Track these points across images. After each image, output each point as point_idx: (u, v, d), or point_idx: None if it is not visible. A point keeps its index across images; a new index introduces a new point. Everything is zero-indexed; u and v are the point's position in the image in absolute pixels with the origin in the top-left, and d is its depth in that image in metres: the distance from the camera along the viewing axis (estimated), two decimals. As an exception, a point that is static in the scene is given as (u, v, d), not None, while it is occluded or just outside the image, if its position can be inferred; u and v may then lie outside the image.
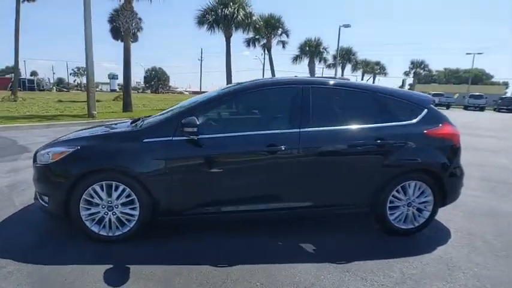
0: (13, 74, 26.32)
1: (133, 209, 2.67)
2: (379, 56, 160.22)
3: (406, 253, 2.68)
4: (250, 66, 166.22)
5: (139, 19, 42.08)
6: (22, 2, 25.90)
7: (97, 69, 17.14)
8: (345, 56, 40.22)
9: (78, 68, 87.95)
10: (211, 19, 19.18)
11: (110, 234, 2.70)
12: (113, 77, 62.90)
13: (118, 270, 2.34)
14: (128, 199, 2.65)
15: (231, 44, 20.40)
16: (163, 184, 2.64)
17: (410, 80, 56.52)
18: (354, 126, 2.90)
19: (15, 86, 22.45)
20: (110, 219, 2.67)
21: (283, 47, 27.88)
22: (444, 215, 3.44)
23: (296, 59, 32.47)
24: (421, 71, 53.98)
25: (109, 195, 2.63)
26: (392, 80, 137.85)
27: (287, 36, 27.13)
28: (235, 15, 18.42)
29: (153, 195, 2.63)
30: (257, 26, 20.97)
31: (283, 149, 2.69)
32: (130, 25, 14.44)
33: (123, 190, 2.63)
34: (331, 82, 3.09)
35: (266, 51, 27.67)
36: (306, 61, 32.21)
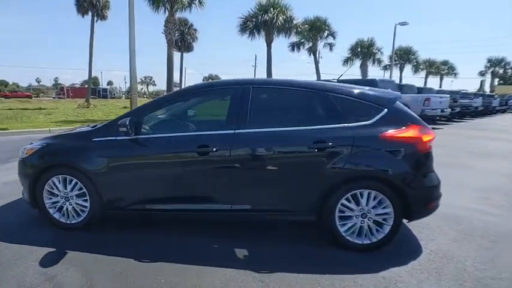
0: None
1: (85, 201, 2.98)
2: (447, 55, 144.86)
3: (346, 270, 2.48)
4: (303, 71, 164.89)
5: (195, 30, 45.14)
6: (96, 22, 30.00)
7: (159, 77, 18.91)
8: (403, 56, 37.40)
9: (145, 77, 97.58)
10: (251, 26, 19.64)
11: (68, 221, 3.04)
12: (176, 86, 67.76)
13: (57, 254, 2.63)
14: (80, 191, 2.96)
15: (272, 49, 20.58)
16: (106, 180, 2.89)
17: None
18: (294, 128, 2.79)
19: (88, 94, 26.69)
20: (67, 209, 3.02)
21: (330, 49, 27.19)
22: (430, 233, 3.12)
23: (347, 61, 31.32)
24: (500, 70, 47.54)
25: (65, 187, 2.98)
26: (466, 82, 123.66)
27: (333, 38, 26.42)
28: (274, 20, 18.58)
29: (99, 190, 2.91)
30: (299, 29, 20.81)
31: (214, 150, 2.74)
32: (173, 36, 15.61)
33: (76, 183, 2.96)
34: (276, 82, 3.04)
35: (313, 55, 27.20)
36: (357, 63, 30.91)
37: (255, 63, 68.59)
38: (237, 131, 2.79)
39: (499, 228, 3.32)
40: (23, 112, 17.14)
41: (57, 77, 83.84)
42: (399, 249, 2.81)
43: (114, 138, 2.88)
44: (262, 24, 19.35)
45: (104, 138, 2.91)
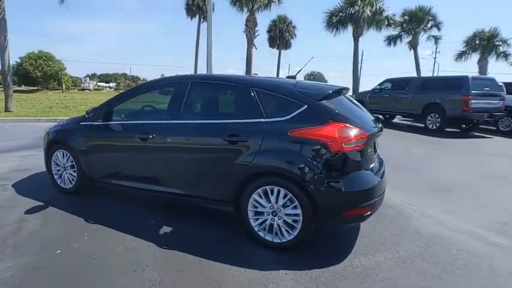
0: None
1: (74, 171, 3.84)
2: None
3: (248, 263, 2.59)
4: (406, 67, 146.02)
5: (294, 27, 45.88)
6: (202, 23, 34.06)
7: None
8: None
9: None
10: (335, 20, 18.99)
11: (64, 186, 3.98)
12: None
13: (40, 207, 3.53)
14: (71, 163, 3.85)
15: (359, 43, 19.46)
16: (85, 155, 3.68)
17: None
18: (214, 121, 2.99)
19: None
20: (66, 177, 3.95)
21: (435, 42, 23.82)
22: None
23: (461, 56, 26.85)
24: None
25: (63, 159, 3.91)
26: None
27: (438, 29, 23.02)
28: (360, 13, 17.51)
29: (81, 163, 3.71)
30: (390, 21, 19.01)
31: (151, 137, 3.17)
32: (253, 35, 16.51)
33: (69, 157, 3.84)
34: (211, 77, 3.22)
35: (413, 49, 24.26)
36: (475, 58, 26.14)
37: (361, 60, 65.12)
38: (170, 121, 3.16)
39: None
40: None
41: (163, 74, 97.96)
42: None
43: (91, 123, 3.62)
44: (348, 17, 18.50)
45: (86, 123, 3.69)
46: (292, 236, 2.70)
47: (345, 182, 2.56)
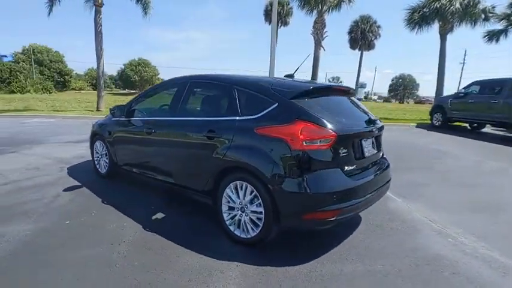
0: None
1: (107, 159, 4.58)
2: None
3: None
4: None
5: (378, 26, 43.28)
6: (279, 28, 34.94)
7: (347, 77, 20.41)
8: None
9: (333, 78, 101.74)
10: (417, 17, 17.31)
11: (100, 171, 4.77)
12: (361, 86, 66.43)
13: (77, 186, 4.31)
14: (105, 152, 4.58)
15: (446, 42, 17.33)
16: (112, 146, 4.36)
17: None
18: (199, 118, 3.28)
19: None
20: (102, 163, 4.72)
21: (557, 36, 19.41)
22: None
23: None
24: None
25: (101, 148, 4.68)
26: None
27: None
28: (447, 7, 15.60)
29: (111, 152, 4.41)
30: (488, 14, 16.40)
31: (153, 131, 3.60)
32: (320, 36, 16.26)
33: (104, 146, 4.59)
34: (206, 77, 3.45)
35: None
36: None
37: (464, 60, 57.37)
38: (168, 118, 3.55)
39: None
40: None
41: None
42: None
43: (118, 119, 4.27)
44: (433, 13, 16.68)
45: (114, 119, 4.36)
46: (255, 233, 2.77)
47: (305, 183, 2.51)
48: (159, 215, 3.49)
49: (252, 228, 2.79)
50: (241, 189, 2.83)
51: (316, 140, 2.52)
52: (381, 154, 3.40)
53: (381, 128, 3.29)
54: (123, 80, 54.89)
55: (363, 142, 2.93)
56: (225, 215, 2.99)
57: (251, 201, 2.78)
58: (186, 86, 3.54)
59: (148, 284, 2.30)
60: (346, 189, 2.60)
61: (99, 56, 14.77)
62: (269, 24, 37.10)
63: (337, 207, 2.53)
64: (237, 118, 2.92)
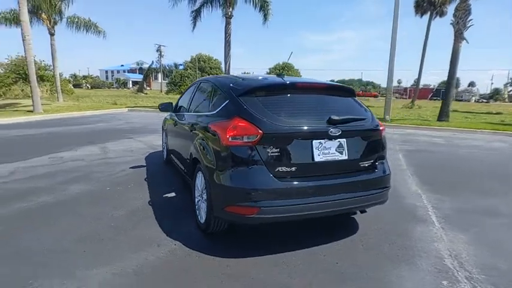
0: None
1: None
2: None
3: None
4: None
5: None
6: (433, 19, 30.69)
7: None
8: None
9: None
10: None
11: (164, 157, 5.85)
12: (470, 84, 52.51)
13: (141, 167, 5.49)
14: (165, 141, 5.63)
15: None
16: (166, 136, 5.31)
17: None
18: (194, 113, 3.73)
19: (415, 95, 28.06)
20: (164, 151, 5.81)
21: None
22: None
23: None
24: None
25: (165, 138, 5.77)
26: None
27: None
28: None
29: (166, 141, 5.41)
30: None
31: (176, 124, 4.30)
32: (462, 26, 13.41)
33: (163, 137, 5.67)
34: (208, 78, 3.79)
35: None
36: None
37: None
38: (184, 113, 4.15)
39: None
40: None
41: (400, 79, 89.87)
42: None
43: (170, 113, 5.19)
44: None
45: (170, 113, 5.28)
46: (203, 220, 3.01)
47: (226, 176, 2.59)
48: (170, 195, 4.14)
49: (204, 214, 3.03)
50: (200, 178, 3.12)
51: (242, 137, 2.55)
52: (370, 160, 2.92)
53: (359, 131, 2.89)
54: (267, 84, 60.11)
55: (316, 144, 2.66)
56: (195, 200, 3.32)
57: (204, 190, 3.02)
58: (197, 86, 4.08)
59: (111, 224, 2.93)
60: (269, 189, 2.51)
61: (226, 62, 17.11)
62: (420, 17, 32.84)
63: (256, 205, 2.49)
64: (207, 114, 3.25)
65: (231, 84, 3.06)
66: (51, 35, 19.49)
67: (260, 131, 2.53)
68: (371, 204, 3.02)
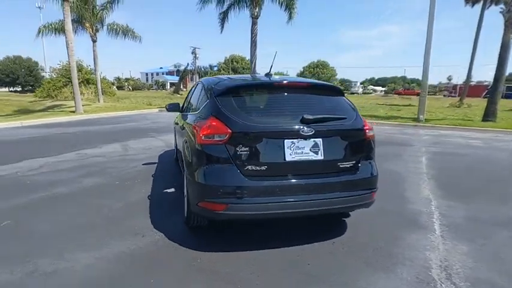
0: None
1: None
2: None
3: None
4: None
5: None
6: (487, 8, 28.36)
7: None
8: None
9: None
10: None
11: (174, 156, 6.08)
12: None
13: (153, 163, 5.77)
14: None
15: None
16: (174, 134, 5.52)
17: None
18: (187, 113, 3.88)
19: (463, 93, 26.24)
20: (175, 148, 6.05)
21: None
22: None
23: None
24: None
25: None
26: None
27: None
28: None
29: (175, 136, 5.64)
30: None
31: (179, 123, 4.45)
32: (516, 15, 12.20)
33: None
34: (203, 78, 3.89)
35: None
36: None
37: None
38: (184, 112, 4.31)
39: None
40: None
41: (450, 75, 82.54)
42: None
43: (179, 113, 5.40)
44: None
45: (179, 113, 5.50)
46: (185, 215, 3.14)
47: (199, 173, 2.68)
48: (170, 190, 4.34)
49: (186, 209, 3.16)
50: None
51: (213, 135, 2.62)
52: (351, 161, 2.83)
53: (337, 131, 2.81)
54: (303, 83, 59.32)
55: (288, 143, 2.64)
56: (184, 196, 3.44)
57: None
58: (195, 87, 4.21)
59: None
60: (237, 186, 2.56)
61: (252, 61, 17.23)
62: (471, 6, 30.48)
63: (224, 202, 2.56)
64: (194, 113, 3.39)
65: (213, 85, 3.13)
66: (94, 41, 21.03)
67: (229, 130, 2.58)
68: (353, 207, 2.93)
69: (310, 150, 2.69)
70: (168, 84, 71.99)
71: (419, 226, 3.42)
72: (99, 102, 21.57)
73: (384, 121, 13.59)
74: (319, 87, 3.06)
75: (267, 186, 2.59)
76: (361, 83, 71.46)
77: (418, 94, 53.96)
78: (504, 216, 3.76)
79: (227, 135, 2.57)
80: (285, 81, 3.01)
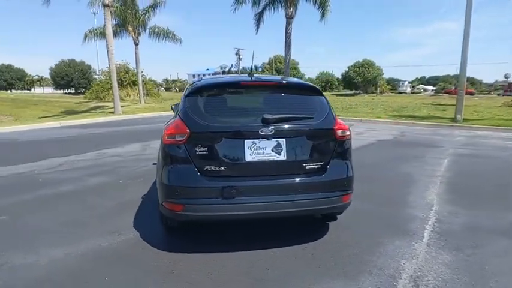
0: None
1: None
2: None
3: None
4: None
5: None
6: None
7: None
8: None
9: None
10: None
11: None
12: None
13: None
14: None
15: None
16: None
17: None
18: None
19: None
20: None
21: None
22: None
23: None
24: None
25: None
26: None
27: None
28: None
29: None
30: None
31: None
32: None
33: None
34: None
35: None
36: None
37: None
38: None
39: None
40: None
41: (507, 73, 74.17)
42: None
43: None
44: None
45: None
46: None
47: (163, 172, 2.73)
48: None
49: None
50: None
51: (174, 135, 2.66)
52: (319, 162, 2.72)
53: (302, 131, 2.72)
54: (346, 81, 57.69)
55: (248, 143, 2.60)
56: None
57: None
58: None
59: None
60: (194, 187, 2.57)
61: (286, 61, 17.12)
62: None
63: (181, 202, 2.58)
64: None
65: (188, 86, 3.18)
66: (136, 44, 22.26)
67: (188, 130, 2.60)
68: (321, 210, 2.83)
69: (272, 150, 2.63)
70: (215, 85, 73.32)
71: (407, 232, 3.19)
72: (140, 103, 22.80)
73: (420, 121, 12.86)
74: (290, 86, 2.98)
75: (225, 187, 2.57)
76: (409, 82, 67.87)
77: (471, 93, 49.74)
78: (508, 224, 3.39)
79: (186, 135, 2.60)
80: (252, 81, 2.98)
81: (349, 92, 59.11)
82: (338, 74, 66.99)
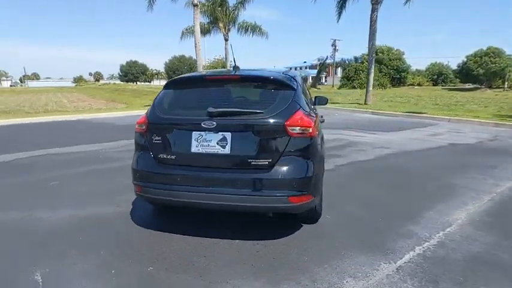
0: None
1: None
2: None
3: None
4: None
5: None
6: None
7: None
8: None
9: None
10: None
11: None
12: None
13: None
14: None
15: None
16: None
17: None
18: None
19: None
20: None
21: None
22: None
23: None
24: None
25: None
26: None
27: None
28: None
29: None
30: None
31: None
32: None
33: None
34: None
35: None
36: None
37: None
38: None
39: None
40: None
41: None
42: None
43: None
44: None
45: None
46: None
47: (133, 157, 3.07)
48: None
49: None
50: None
51: (141, 124, 2.98)
52: (267, 159, 2.64)
53: (248, 126, 2.67)
54: (463, 73, 49.43)
55: (196, 135, 2.72)
56: None
57: None
58: None
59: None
60: (148, 172, 2.86)
61: (370, 51, 15.83)
62: None
63: (139, 184, 2.93)
64: None
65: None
66: (226, 40, 23.74)
67: (147, 121, 2.89)
68: (266, 208, 2.77)
69: (217, 143, 2.68)
70: (310, 78, 72.94)
71: (384, 250, 2.77)
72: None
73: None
74: (253, 80, 2.94)
75: (173, 174, 2.77)
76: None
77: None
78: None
79: (145, 125, 2.90)
80: (215, 75, 3.04)
81: (468, 86, 50.59)
82: (453, 65, 58.05)
